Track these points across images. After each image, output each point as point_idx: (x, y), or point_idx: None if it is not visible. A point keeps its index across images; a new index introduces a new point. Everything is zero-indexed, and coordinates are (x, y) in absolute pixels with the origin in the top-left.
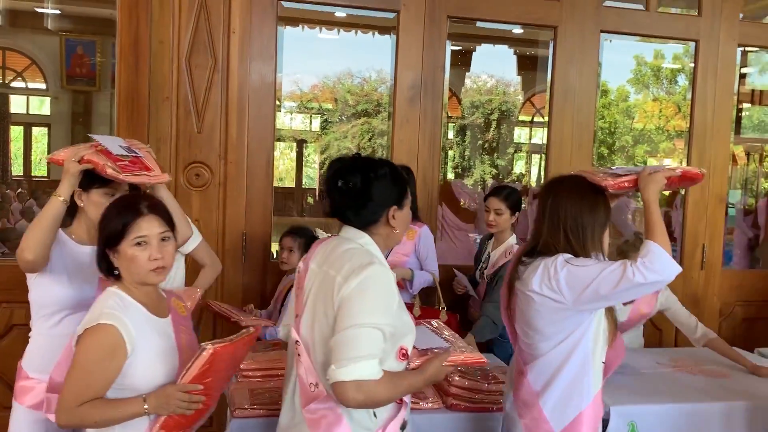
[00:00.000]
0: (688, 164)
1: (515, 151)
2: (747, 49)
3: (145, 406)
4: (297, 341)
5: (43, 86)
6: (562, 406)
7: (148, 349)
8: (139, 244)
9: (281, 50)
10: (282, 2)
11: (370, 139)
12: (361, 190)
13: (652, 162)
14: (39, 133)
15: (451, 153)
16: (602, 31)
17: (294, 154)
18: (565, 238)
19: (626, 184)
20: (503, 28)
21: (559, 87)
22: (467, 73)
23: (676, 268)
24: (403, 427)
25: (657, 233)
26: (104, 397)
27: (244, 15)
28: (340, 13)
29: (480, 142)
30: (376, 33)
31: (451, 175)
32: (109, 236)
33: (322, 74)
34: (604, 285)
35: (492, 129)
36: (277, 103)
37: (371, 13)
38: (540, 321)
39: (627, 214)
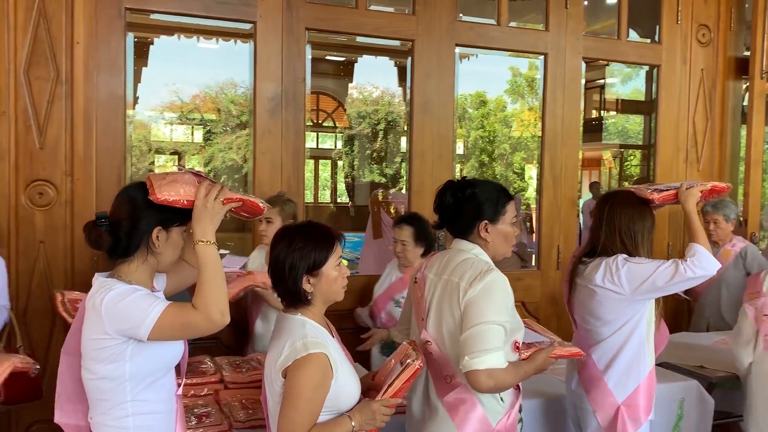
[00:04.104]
0: (540, 168)
1: (402, 160)
2: (608, 61)
3: (353, 424)
4: (428, 341)
5: None
6: (624, 381)
7: (342, 369)
8: (338, 264)
9: (164, 59)
10: (129, 11)
11: None
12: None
13: (529, 168)
14: None
15: (340, 163)
16: (457, 45)
17: (176, 167)
18: (621, 241)
19: (669, 198)
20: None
21: (418, 99)
22: (351, 84)
23: (717, 264)
24: (520, 410)
25: (699, 237)
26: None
27: (88, 25)
28: (219, 23)
29: (368, 151)
30: None
31: (341, 185)
32: (315, 261)
33: (203, 84)
34: (660, 279)
35: (380, 138)
36: (156, 113)
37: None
38: (602, 310)
39: None
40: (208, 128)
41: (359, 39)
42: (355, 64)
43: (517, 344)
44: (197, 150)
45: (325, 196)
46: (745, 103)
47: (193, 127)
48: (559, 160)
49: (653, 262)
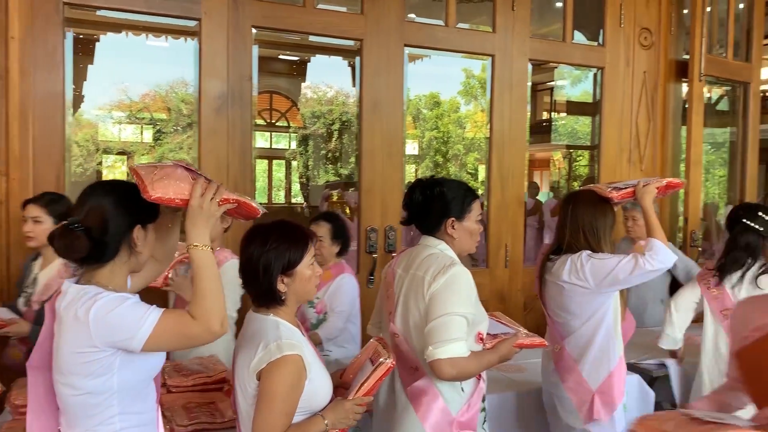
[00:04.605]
0: (488, 169)
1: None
2: (554, 63)
3: (326, 423)
4: (396, 334)
5: None
6: (596, 369)
7: (315, 369)
8: (312, 264)
9: (111, 57)
10: (68, 6)
11: None
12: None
13: (482, 168)
14: None
15: (294, 163)
16: (406, 45)
17: (125, 168)
18: (584, 238)
19: (627, 195)
20: (336, 42)
21: (367, 99)
22: (305, 83)
23: (674, 257)
24: (483, 400)
25: (656, 232)
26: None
27: (24, 20)
28: (168, 21)
29: (323, 151)
30: None
31: (296, 185)
32: (290, 261)
33: (153, 83)
34: (622, 272)
35: (334, 139)
36: (104, 113)
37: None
38: (571, 304)
39: None
40: (158, 128)
41: (312, 38)
42: (309, 64)
43: (481, 335)
44: (147, 150)
45: (280, 197)
46: (685, 104)
47: (142, 127)
48: (506, 161)
49: (615, 257)
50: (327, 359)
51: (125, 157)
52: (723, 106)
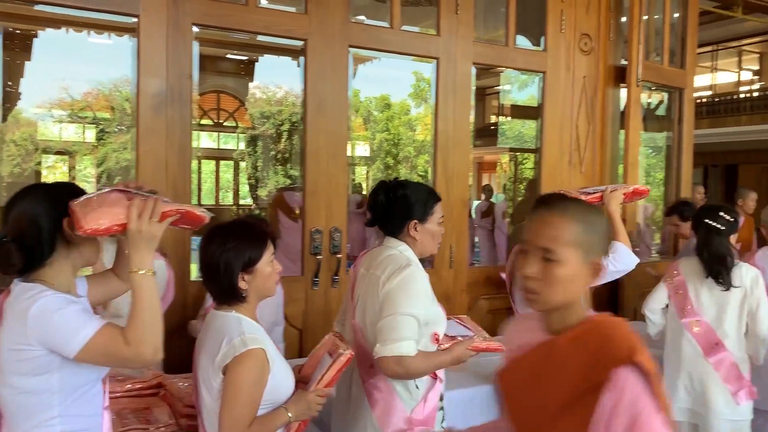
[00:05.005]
0: (433, 171)
1: None
2: (497, 67)
3: (289, 415)
4: (356, 330)
5: None
6: None
7: (277, 363)
8: (272, 261)
9: (51, 54)
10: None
11: None
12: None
13: (429, 170)
14: None
15: (243, 164)
16: (351, 46)
17: (66, 168)
18: None
19: (595, 200)
20: (285, 42)
21: (311, 99)
22: (253, 83)
23: (636, 259)
24: (441, 398)
25: (621, 236)
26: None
27: None
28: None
29: (273, 152)
30: None
31: (245, 187)
32: (250, 258)
33: (95, 81)
34: None
35: (284, 139)
36: (43, 111)
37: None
38: None
39: None
40: (101, 127)
41: (260, 38)
42: (257, 64)
43: (437, 336)
44: (89, 150)
45: (228, 198)
46: (623, 109)
47: (84, 126)
48: (451, 163)
49: None
50: None
51: (66, 157)
52: (662, 111)
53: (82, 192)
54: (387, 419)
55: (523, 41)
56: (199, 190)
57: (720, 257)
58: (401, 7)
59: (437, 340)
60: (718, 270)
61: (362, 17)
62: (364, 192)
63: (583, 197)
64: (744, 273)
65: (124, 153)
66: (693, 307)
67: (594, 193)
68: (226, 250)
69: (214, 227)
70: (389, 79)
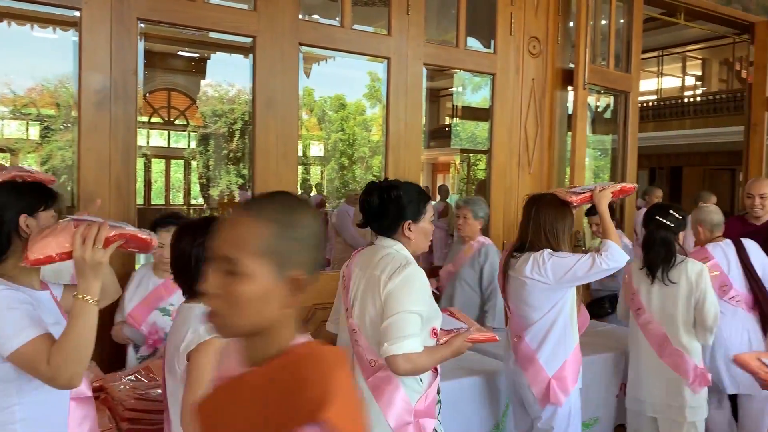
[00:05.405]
0: (385, 171)
1: None
2: (448, 69)
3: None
4: (354, 329)
5: None
6: (553, 357)
7: None
8: None
9: None
10: None
11: None
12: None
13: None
14: None
15: (194, 163)
16: (301, 44)
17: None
18: (545, 238)
19: (585, 200)
20: (237, 39)
21: (261, 97)
22: (205, 81)
23: (626, 257)
24: (438, 391)
25: (611, 234)
26: None
27: None
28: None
29: (225, 151)
30: None
31: (196, 186)
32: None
33: (40, 76)
34: (580, 270)
35: (236, 138)
36: None
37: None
38: (531, 297)
39: None
40: (46, 124)
41: (212, 35)
42: (208, 61)
43: (435, 330)
44: (33, 148)
45: (179, 198)
46: (570, 111)
47: (28, 123)
48: (402, 163)
49: (574, 256)
50: None
51: (8, 154)
52: (609, 114)
53: (49, 191)
54: (394, 412)
55: (474, 43)
56: (148, 189)
57: (663, 251)
58: (353, 6)
59: (436, 334)
60: (659, 265)
61: (316, 16)
62: (325, 193)
63: (573, 197)
64: (689, 268)
65: (70, 151)
66: (644, 307)
67: (584, 192)
68: (197, 245)
69: (184, 224)
70: (344, 79)
